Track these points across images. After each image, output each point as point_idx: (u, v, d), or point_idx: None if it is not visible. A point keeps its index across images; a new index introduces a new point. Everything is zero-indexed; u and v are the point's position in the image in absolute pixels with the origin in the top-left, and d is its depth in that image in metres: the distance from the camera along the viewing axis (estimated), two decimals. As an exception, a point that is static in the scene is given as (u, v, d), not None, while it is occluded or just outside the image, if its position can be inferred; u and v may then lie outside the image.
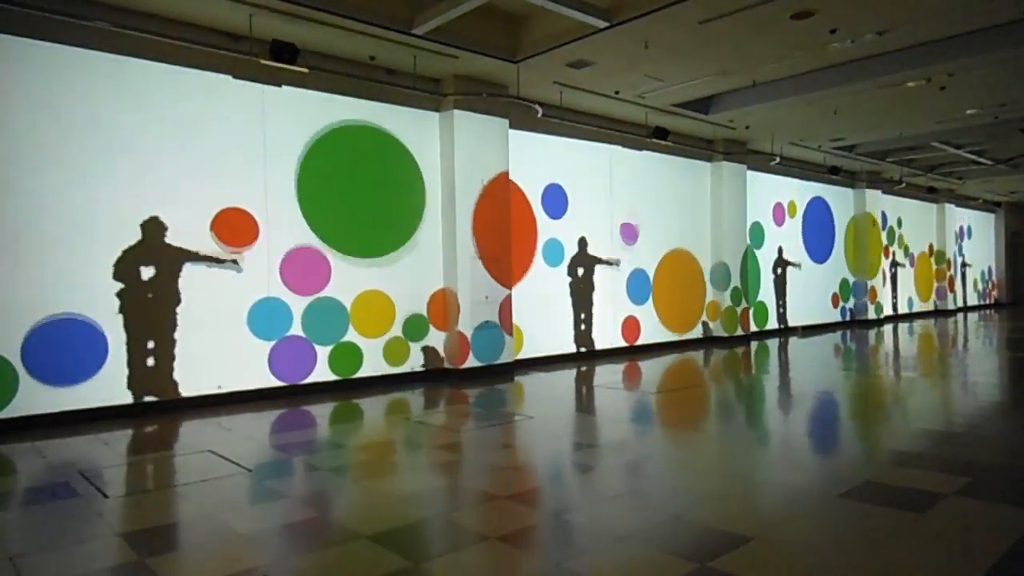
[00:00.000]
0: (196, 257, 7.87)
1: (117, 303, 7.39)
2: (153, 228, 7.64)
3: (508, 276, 10.42)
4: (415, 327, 9.78)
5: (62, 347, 7.07)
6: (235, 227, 8.18)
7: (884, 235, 20.55)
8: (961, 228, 25.45)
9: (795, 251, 17.53)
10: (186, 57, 7.75)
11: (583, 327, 12.24)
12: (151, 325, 7.62)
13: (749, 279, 15.29)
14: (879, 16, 8.13)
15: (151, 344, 7.62)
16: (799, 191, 17.60)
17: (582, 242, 12.22)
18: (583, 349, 12.21)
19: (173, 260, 7.76)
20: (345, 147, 9.15)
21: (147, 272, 7.59)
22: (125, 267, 7.46)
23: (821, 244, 18.45)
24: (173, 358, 7.76)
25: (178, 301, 7.81)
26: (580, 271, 12.20)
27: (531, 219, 11.33)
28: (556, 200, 11.76)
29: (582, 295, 12.23)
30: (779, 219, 16.94)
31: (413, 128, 9.80)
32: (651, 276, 13.44)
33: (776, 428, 6.85)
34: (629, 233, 13.02)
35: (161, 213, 7.66)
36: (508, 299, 10.38)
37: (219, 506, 4.50)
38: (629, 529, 3.91)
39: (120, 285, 7.42)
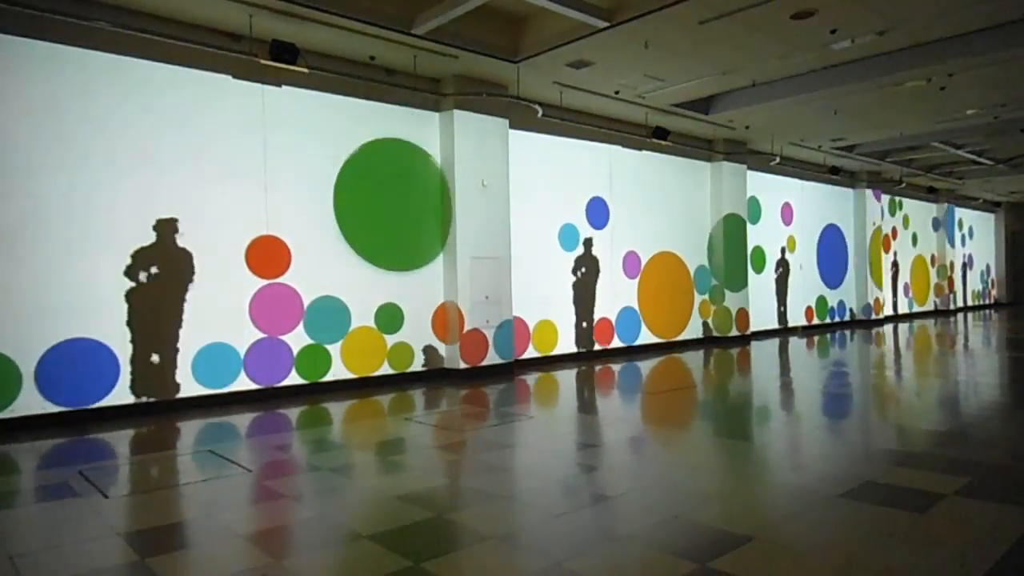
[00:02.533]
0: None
1: (121, 304, 7.40)
2: (160, 230, 7.66)
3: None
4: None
5: (74, 370, 7.17)
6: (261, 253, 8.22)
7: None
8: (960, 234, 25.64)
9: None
10: (186, 57, 7.75)
11: (584, 327, 12.24)
12: (155, 326, 7.64)
13: (748, 278, 15.27)
14: (879, 16, 8.13)
15: (154, 345, 7.63)
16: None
17: (587, 243, 12.26)
18: (583, 349, 12.21)
19: (177, 261, 7.77)
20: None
21: (152, 273, 7.60)
22: (128, 269, 7.47)
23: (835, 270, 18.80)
24: (176, 359, 7.78)
25: (185, 302, 7.84)
26: (582, 271, 12.22)
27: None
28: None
29: (584, 295, 12.25)
30: (787, 219, 17.09)
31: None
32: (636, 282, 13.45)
33: (776, 428, 6.84)
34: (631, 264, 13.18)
35: (161, 214, 7.67)
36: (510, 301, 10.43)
37: (219, 506, 4.50)
38: (629, 529, 3.91)
39: (123, 287, 7.43)
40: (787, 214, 17.18)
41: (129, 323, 7.46)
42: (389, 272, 9.53)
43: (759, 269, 16.17)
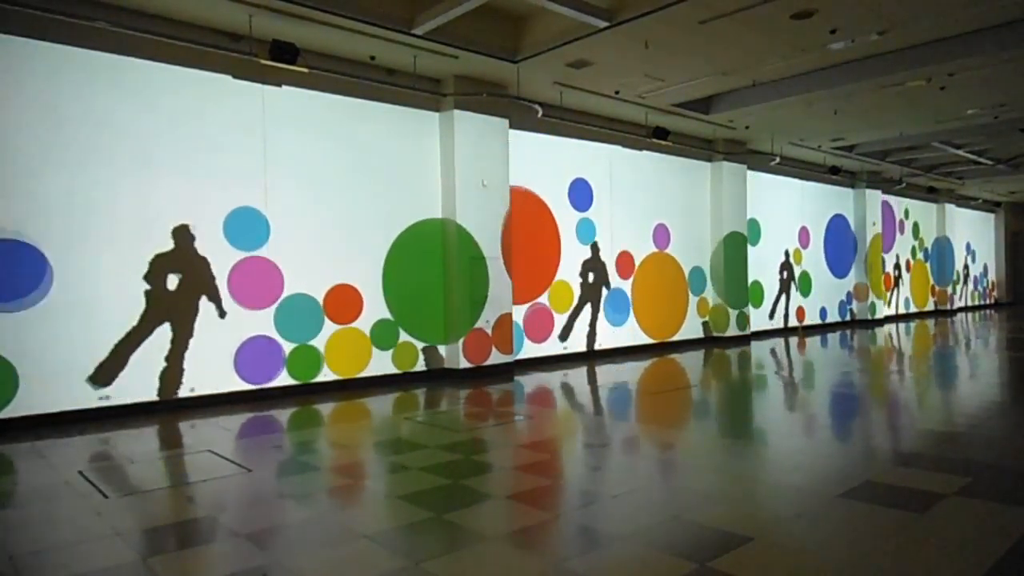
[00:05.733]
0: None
1: (121, 305, 7.41)
2: (178, 234, 7.77)
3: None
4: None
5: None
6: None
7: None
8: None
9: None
10: (186, 57, 7.75)
11: (587, 328, 12.29)
12: (157, 327, 7.64)
13: (748, 278, 15.28)
14: (879, 16, 8.14)
15: (153, 346, 7.64)
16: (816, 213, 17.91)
17: (594, 247, 12.35)
18: (586, 349, 12.23)
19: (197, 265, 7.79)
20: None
21: (153, 276, 7.61)
22: (127, 271, 7.48)
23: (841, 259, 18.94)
24: (177, 359, 7.78)
25: (194, 302, 7.86)
26: (591, 276, 12.33)
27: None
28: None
29: (589, 297, 12.31)
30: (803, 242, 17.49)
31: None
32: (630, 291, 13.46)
33: (775, 428, 6.84)
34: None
35: (161, 214, 7.67)
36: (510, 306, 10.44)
37: (219, 506, 4.50)
38: (629, 529, 3.91)
39: (122, 288, 7.43)
40: (804, 237, 17.66)
41: (130, 323, 7.46)
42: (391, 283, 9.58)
43: (757, 303, 16.14)
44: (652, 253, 13.54)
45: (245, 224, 8.26)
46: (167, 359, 7.72)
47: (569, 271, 11.94)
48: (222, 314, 8.04)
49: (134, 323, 7.50)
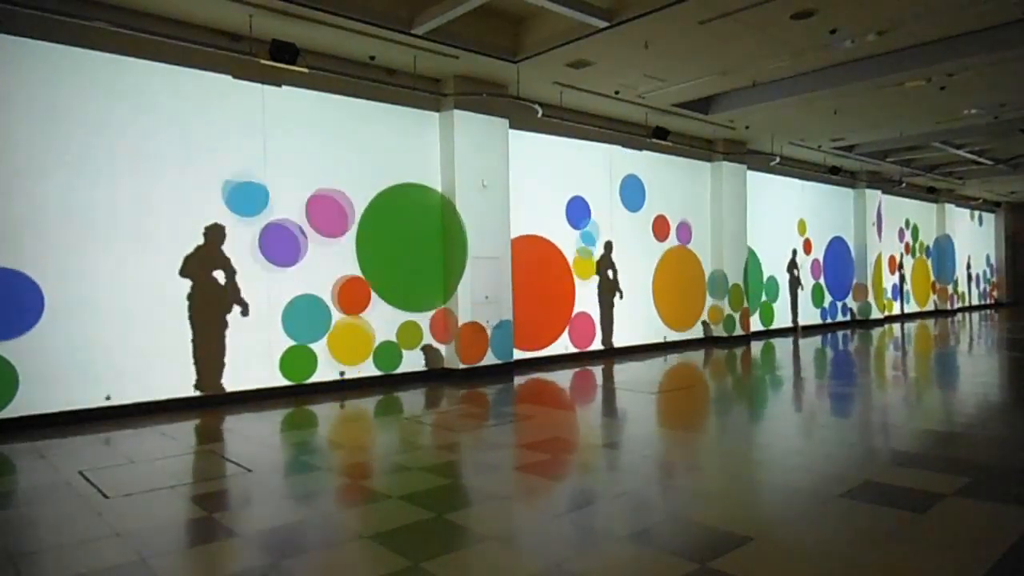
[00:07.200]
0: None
1: (121, 305, 7.40)
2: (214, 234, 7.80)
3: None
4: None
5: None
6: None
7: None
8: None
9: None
10: (186, 57, 7.75)
11: (599, 328, 12.43)
12: (166, 326, 7.65)
13: (749, 279, 15.26)
14: (879, 16, 8.13)
15: (156, 346, 7.64)
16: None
17: (608, 246, 12.44)
18: (579, 349, 12.24)
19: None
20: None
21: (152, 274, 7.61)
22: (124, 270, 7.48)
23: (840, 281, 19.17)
24: (183, 358, 7.78)
25: (207, 302, 7.87)
26: (609, 273, 12.45)
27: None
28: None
29: (603, 297, 12.42)
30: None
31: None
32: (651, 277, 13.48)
33: (775, 428, 6.84)
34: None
35: (161, 214, 7.68)
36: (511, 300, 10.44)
37: (220, 506, 4.50)
38: (629, 529, 3.91)
39: (121, 288, 7.43)
40: (815, 270, 17.99)
41: (131, 324, 7.47)
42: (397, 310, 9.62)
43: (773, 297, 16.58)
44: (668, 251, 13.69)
45: (246, 207, 8.27)
46: (170, 359, 7.73)
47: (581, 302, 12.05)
48: (245, 311, 8.11)
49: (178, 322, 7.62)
